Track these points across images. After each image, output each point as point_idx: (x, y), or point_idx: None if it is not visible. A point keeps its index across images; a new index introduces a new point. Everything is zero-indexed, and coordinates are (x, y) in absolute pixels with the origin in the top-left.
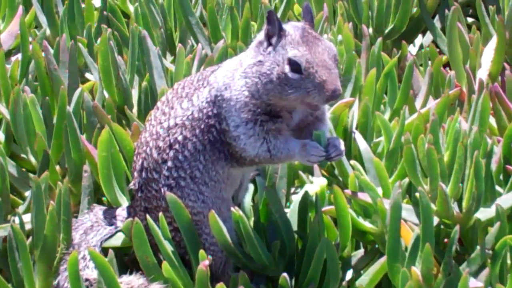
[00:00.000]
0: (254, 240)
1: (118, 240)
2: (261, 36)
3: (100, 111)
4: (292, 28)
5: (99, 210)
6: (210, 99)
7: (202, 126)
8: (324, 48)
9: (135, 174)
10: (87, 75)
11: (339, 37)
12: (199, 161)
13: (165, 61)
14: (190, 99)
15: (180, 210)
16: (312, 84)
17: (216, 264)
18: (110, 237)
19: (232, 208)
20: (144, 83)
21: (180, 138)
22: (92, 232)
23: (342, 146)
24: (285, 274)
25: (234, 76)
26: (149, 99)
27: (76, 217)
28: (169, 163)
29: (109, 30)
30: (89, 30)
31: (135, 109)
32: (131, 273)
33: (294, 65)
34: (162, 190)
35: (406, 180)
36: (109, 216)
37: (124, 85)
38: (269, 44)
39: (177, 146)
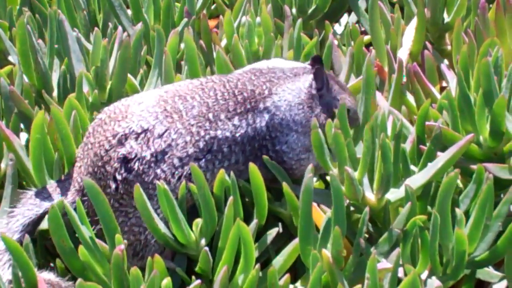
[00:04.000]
0: (178, 217)
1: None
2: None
3: (17, 96)
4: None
5: (25, 193)
6: (270, 125)
7: (256, 145)
8: (346, 87)
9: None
10: (10, 58)
11: (258, 19)
12: (235, 168)
13: (86, 42)
14: (243, 117)
15: (97, 195)
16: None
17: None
18: (41, 218)
19: (156, 182)
20: (63, 67)
21: (226, 150)
22: (17, 215)
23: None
24: (206, 249)
25: (307, 117)
26: (68, 83)
27: None
28: (202, 164)
29: (28, 13)
30: (10, 14)
31: (55, 93)
32: (53, 258)
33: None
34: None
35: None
36: (36, 198)
37: (43, 69)
38: (319, 95)
39: (219, 156)
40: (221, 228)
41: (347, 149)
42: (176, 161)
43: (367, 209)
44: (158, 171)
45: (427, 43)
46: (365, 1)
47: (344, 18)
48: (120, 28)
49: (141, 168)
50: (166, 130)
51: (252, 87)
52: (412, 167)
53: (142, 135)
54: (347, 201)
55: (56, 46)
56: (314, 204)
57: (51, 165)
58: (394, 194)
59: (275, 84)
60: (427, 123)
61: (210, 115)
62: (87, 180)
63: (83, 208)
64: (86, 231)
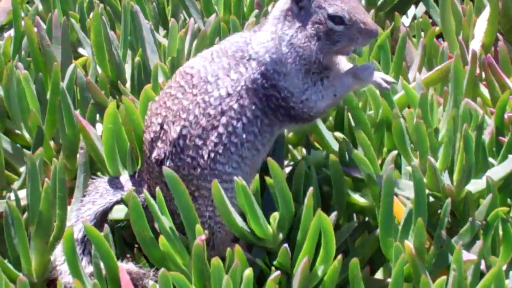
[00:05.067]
0: (257, 211)
1: (121, 212)
2: (282, 5)
3: (94, 87)
4: None
5: (99, 182)
6: (261, 72)
7: (260, 95)
8: None
9: (160, 144)
10: (80, 50)
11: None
12: (256, 125)
13: (158, 36)
14: (237, 70)
15: (177, 184)
16: (356, 30)
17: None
18: (111, 208)
19: (234, 178)
20: (137, 58)
21: (236, 106)
22: (89, 203)
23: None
24: (286, 245)
25: (280, 50)
26: (142, 74)
27: (71, 192)
28: (220, 129)
29: (101, 5)
30: (81, 5)
31: (128, 84)
32: (130, 248)
33: (337, 19)
34: (205, 157)
35: (394, 151)
36: (109, 187)
37: (117, 60)
38: (300, 8)
39: (232, 113)
40: (300, 219)
41: (428, 139)
42: (197, 141)
43: (448, 200)
44: (188, 159)
45: (498, 34)
46: None
47: (411, 10)
48: (192, 19)
49: (172, 163)
50: (177, 114)
51: (240, 38)
52: (490, 159)
53: (162, 131)
54: (426, 190)
55: (129, 37)
56: None
57: (125, 155)
58: (475, 186)
59: (257, 30)
60: (506, 114)
61: (209, 77)
62: (167, 170)
63: (163, 198)
64: (166, 221)
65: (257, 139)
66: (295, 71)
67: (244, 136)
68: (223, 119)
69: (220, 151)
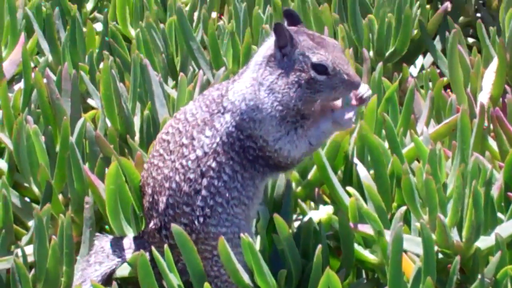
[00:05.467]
0: (264, 269)
1: (125, 270)
2: (265, 51)
3: (103, 141)
4: (298, 35)
5: (104, 241)
6: (235, 124)
7: (237, 149)
8: (333, 44)
9: (154, 213)
10: (90, 100)
11: None
12: (237, 181)
13: (167, 87)
14: (212, 126)
15: (186, 242)
16: (338, 81)
17: None
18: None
19: (241, 235)
20: (146, 112)
21: (214, 165)
22: (96, 264)
23: (368, 87)
24: None
25: (258, 96)
26: (151, 128)
27: (79, 247)
28: (204, 192)
29: (111, 58)
30: (91, 57)
31: (137, 137)
32: None
33: (321, 68)
34: (196, 222)
35: (403, 207)
36: (115, 248)
37: (126, 113)
38: (283, 55)
39: (211, 173)
40: (308, 276)
41: (437, 195)
42: (185, 208)
43: (458, 258)
44: (182, 226)
45: (505, 86)
46: (441, 42)
47: (419, 60)
48: (201, 71)
49: (168, 232)
50: (161, 183)
51: (216, 91)
52: (499, 214)
53: (153, 202)
54: (435, 247)
55: (138, 90)
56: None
57: (128, 214)
58: (484, 242)
59: (233, 80)
60: None
61: (184, 139)
62: (176, 227)
63: (171, 255)
64: (175, 279)
65: (241, 195)
66: (270, 117)
67: (227, 194)
68: (204, 181)
69: (209, 214)
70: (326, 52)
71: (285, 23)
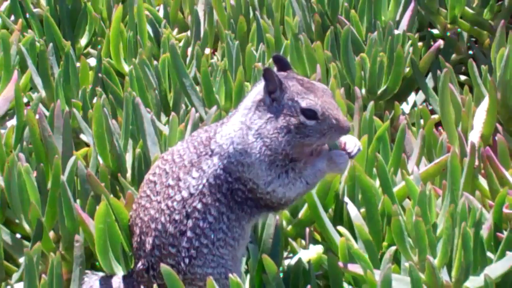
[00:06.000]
0: None
1: None
2: (254, 96)
3: (94, 179)
4: (287, 80)
5: (93, 280)
6: (223, 167)
7: (224, 191)
8: (323, 90)
9: (142, 253)
10: (82, 136)
11: None
12: (223, 222)
13: (159, 124)
14: (199, 167)
15: (175, 282)
16: (328, 126)
17: None
18: None
19: (230, 275)
20: (138, 150)
21: (199, 206)
22: None
23: (357, 140)
24: None
25: (247, 140)
26: (143, 166)
27: (69, 284)
28: (189, 234)
29: (103, 96)
30: (84, 93)
31: (129, 174)
32: None
33: (310, 113)
34: (182, 264)
35: (393, 248)
36: (104, 287)
37: (118, 151)
38: (272, 100)
39: (196, 214)
40: None
41: (427, 236)
42: (171, 249)
43: None
44: (167, 264)
45: (497, 124)
46: (433, 80)
47: (412, 97)
48: (193, 110)
49: (155, 272)
50: (148, 224)
51: (204, 133)
52: (489, 254)
53: (141, 242)
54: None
55: (130, 127)
56: None
57: (118, 253)
58: (473, 283)
59: (222, 123)
60: (504, 210)
61: (170, 181)
62: (165, 267)
63: None
64: None
65: (227, 236)
66: (259, 162)
67: (212, 236)
68: (189, 223)
69: (194, 255)
70: (315, 97)
71: (275, 69)
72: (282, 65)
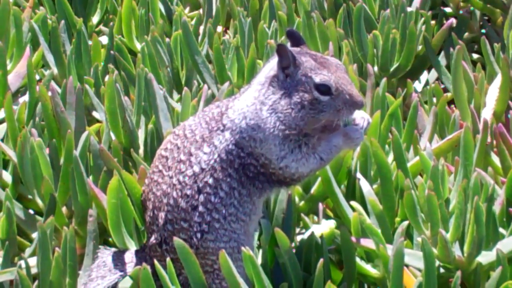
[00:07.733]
0: (265, 282)
1: (127, 284)
2: (268, 72)
3: (107, 154)
4: (301, 56)
5: (106, 255)
6: (235, 142)
7: (236, 166)
8: (336, 65)
9: (155, 228)
10: (94, 113)
11: None
12: (234, 197)
13: (171, 101)
14: (210, 142)
15: (188, 255)
16: (342, 101)
17: None
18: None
19: (243, 248)
20: (150, 126)
21: (211, 181)
22: (98, 278)
23: (364, 114)
24: None
25: (260, 115)
26: (155, 141)
27: (82, 259)
28: (200, 208)
29: (116, 71)
30: (96, 70)
31: (141, 150)
32: None
33: (324, 89)
34: (194, 238)
35: (405, 222)
36: (117, 262)
37: (130, 127)
38: (286, 75)
39: (207, 189)
40: None
41: (439, 211)
42: (183, 224)
43: (459, 273)
44: (180, 239)
45: (509, 101)
46: (446, 58)
47: (424, 75)
48: (205, 86)
49: (168, 247)
50: (160, 199)
51: (216, 108)
52: (501, 229)
53: (154, 216)
54: (436, 262)
55: (142, 103)
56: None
57: (130, 227)
58: (485, 257)
59: (234, 98)
60: None
61: (182, 156)
62: (178, 241)
63: (173, 269)
64: None
65: (238, 211)
66: (272, 137)
67: (224, 210)
68: (201, 197)
69: (206, 229)
70: (329, 72)
71: (288, 44)
72: (296, 40)
